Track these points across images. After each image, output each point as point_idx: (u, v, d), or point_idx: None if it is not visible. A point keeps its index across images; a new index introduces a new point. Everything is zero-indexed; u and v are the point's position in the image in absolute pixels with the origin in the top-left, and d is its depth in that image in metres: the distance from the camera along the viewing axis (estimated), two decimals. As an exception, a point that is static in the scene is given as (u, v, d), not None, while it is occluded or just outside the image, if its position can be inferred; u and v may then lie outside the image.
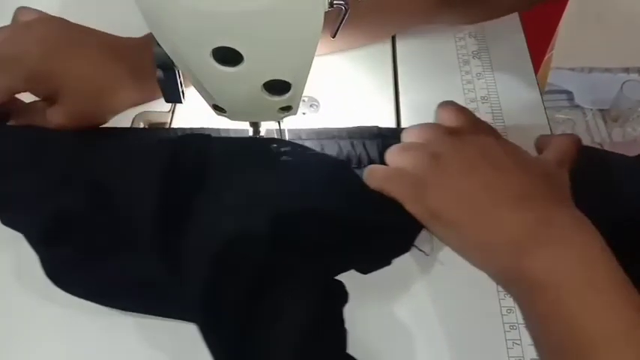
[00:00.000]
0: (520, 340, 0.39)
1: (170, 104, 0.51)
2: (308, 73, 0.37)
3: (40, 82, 0.45)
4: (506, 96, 0.51)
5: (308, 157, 0.44)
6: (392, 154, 0.43)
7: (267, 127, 0.46)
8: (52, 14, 0.48)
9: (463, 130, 0.43)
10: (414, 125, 0.44)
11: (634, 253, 0.48)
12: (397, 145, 0.43)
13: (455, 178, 0.39)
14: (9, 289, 0.42)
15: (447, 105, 0.45)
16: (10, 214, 0.42)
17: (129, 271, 0.39)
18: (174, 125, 0.51)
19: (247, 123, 0.44)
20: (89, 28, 0.47)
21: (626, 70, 1.26)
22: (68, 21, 0.47)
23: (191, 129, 0.48)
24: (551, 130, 0.49)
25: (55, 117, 0.45)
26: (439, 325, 0.40)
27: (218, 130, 0.48)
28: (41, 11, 0.47)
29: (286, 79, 0.36)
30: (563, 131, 1.29)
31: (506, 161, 0.39)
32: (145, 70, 0.43)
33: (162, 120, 0.51)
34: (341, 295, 0.39)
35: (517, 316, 0.40)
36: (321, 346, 0.36)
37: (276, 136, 0.46)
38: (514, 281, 0.37)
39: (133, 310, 0.40)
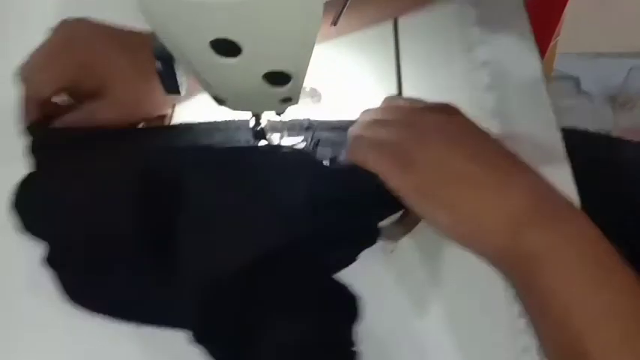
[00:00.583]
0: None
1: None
2: (308, 64, 0.36)
3: (88, 71, 0.45)
4: (510, 84, 0.50)
5: (279, 160, 0.43)
6: (364, 127, 0.40)
7: (268, 118, 0.45)
8: (53, 13, 0.48)
9: (424, 109, 0.40)
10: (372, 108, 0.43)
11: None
12: (366, 117, 0.41)
13: (441, 152, 0.37)
14: (21, 293, 0.43)
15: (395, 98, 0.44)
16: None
17: (124, 287, 0.40)
18: (176, 116, 0.51)
19: (249, 113, 0.44)
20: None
21: (634, 55, 1.25)
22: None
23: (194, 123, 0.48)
24: (556, 121, 0.48)
25: (103, 111, 0.46)
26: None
27: (219, 122, 0.48)
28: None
29: (286, 70, 0.36)
30: (569, 119, 1.28)
31: (483, 134, 0.38)
32: None
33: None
34: (349, 311, 0.38)
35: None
36: None
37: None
38: (509, 258, 0.35)
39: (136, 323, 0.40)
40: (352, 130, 0.40)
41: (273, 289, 0.37)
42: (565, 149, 0.48)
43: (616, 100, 1.22)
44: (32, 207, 0.43)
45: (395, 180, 0.36)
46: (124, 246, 0.40)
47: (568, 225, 0.34)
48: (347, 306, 0.38)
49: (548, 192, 0.36)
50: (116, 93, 0.46)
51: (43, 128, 0.46)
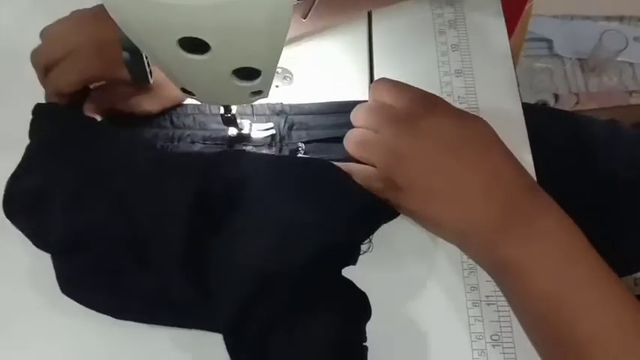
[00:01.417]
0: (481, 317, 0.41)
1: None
2: (278, 60, 0.36)
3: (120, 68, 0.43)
4: (480, 70, 0.50)
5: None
6: (350, 145, 0.42)
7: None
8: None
9: (413, 112, 0.41)
10: (362, 106, 0.43)
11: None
12: (351, 135, 0.43)
13: (422, 178, 0.39)
14: (21, 289, 0.43)
15: (387, 84, 0.43)
16: (38, 212, 0.42)
17: (146, 286, 0.39)
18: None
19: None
20: None
21: (607, 18, 1.25)
22: None
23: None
24: (524, 111, 0.49)
25: (147, 104, 0.47)
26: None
27: (197, 106, 0.48)
28: None
29: (256, 67, 0.36)
30: (541, 80, 1.29)
31: (466, 150, 0.39)
32: None
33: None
34: (365, 308, 0.39)
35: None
36: None
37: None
38: (491, 267, 0.38)
39: (148, 322, 0.41)
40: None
41: (299, 290, 0.37)
42: (531, 129, 0.49)
43: (587, 64, 1.23)
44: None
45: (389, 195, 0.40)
46: (163, 243, 0.39)
47: (540, 232, 0.36)
48: (361, 303, 0.39)
49: (524, 198, 0.37)
50: (159, 88, 0.46)
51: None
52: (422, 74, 0.50)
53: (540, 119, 0.64)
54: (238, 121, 0.46)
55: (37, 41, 0.44)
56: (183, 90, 0.40)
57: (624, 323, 0.34)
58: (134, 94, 0.46)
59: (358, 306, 0.39)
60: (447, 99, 0.49)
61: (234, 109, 0.44)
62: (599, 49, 1.17)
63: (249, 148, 0.47)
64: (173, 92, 0.47)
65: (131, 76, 0.40)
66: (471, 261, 0.42)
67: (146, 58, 0.40)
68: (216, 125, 0.48)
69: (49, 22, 0.44)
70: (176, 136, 0.47)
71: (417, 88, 0.43)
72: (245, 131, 0.47)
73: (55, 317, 0.42)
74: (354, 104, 0.44)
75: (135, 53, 0.38)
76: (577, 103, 1.20)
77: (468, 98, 0.49)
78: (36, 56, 0.43)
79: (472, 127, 0.40)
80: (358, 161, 0.42)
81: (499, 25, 0.53)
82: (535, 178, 0.46)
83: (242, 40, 0.33)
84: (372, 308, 0.39)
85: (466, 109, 0.48)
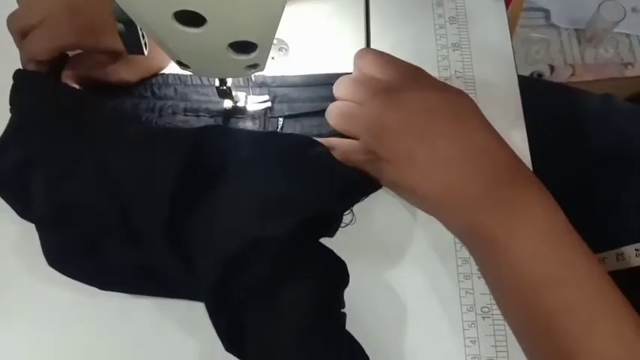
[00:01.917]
0: (472, 289, 0.42)
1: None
2: (275, 33, 0.36)
3: (95, 36, 0.43)
4: (477, 44, 0.50)
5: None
6: (334, 118, 0.42)
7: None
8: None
9: (398, 85, 0.41)
10: (346, 78, 0.43)
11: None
12: (335, 108, 0.43)
13: (403, 147, 0.39)
14: (9, 264, 0.43)
15: (372, 55, 0.43)
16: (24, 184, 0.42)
17: (131, 257, 0.40)
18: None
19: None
20: None
21: (606, -12, 1.24)
22: None
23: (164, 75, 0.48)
24: (520, 86, 0.48)
25: (123, 72, 0.46)
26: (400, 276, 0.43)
27: (179, 76, 0.48)
28: None
29: (252, 40, 0.35)
30: (537, 51, 1.28)
31: (449, 121, 0.39)
32: None
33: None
34: (343, 275, 0.39)
35: (471, 267, 0.43)
36: (324, 328, 0.37)
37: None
38: (469, 240, 0.39)
39: (133, 293, 0.42)
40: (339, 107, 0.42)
41: (280, 258, 0.38)
42: (526, 102, 0.49)
43: (583, 35, 1.22)
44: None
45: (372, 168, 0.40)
46: (147, 216, 0.39)
47: (524, 209, 0.36)
48: (339, 270, 0.40)
49: (508, 175, 0.37)
50: (137, 57, 0.44)
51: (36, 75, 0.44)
52: (419, 47, 0.50)
53: (536, 92, 0.64)
54: (234, 93, 0.45)
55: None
56: (179, 63, 0.40)
57: (597, 297, 0.34)
58: (111, 62, 0.46)
59: (336, 272, 0.39)
60: (444, 73, 0.49)
61: (229, 81, 0.44)
62: (597, 20, 1.16)
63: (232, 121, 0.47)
64: (152, 62, 0.47)
65: (125, 47, 0.40)
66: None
67: (140, 29, 0.39)
68: (198, 96, 0.48)
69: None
70: (157, 106, 0.47)
71: (401, 60, 0.43)
72: (240, 104, 0.46)
73: (42, 288, 0.42)
74: (337, 76, 0.44)
75: (129, 25, 0.38)
76: (572, 74, 1.20)
77: (465, 73, 0.49)
78: (12, 21, 0.43)
79: (456, 100, 0.40)
80: (341, 134, 0.42)
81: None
82: (529, 151, 0.46)
83: (238, 13, 0.32)
84: (355, 277, 0.39)
85: (463, 84, 0.48)
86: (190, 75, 0.48)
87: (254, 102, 0.47)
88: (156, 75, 0.49)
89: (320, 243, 0.41)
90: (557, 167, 0.39)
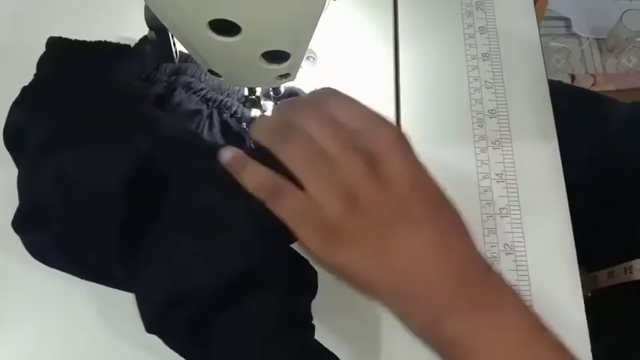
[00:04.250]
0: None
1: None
2: (309, 42, 0.35)
3: None
4: (507, 54, 0.49)
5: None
6: (290, 153, 0.33)
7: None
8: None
9: (374, 149, 0.33)
10: (306, 103, 0.36)
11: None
12: (293, 139, 0.33)
13: (374, 233, 0.32)
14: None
15: (338, 97, 0.35)
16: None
17: (90, 262, 0.38)
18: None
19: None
20: None
21: (628, -3, 1.23)
22: None
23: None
24: (551, 96, 0.48)
25: None
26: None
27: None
28: None
29: (286, 50, 0.35)
30: (557, 60, 1.27)
31: (421, 214, 0.33)
32: None
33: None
34: (308, 287, 0.37)
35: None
36: (286, 341, 0.35)
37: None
38: (432, 342, 0.34)
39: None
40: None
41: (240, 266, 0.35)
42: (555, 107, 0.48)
43: (605, 44, 1.21)
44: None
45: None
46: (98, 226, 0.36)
47: (494, 313, 0.32)
48: (308, 279, 0.37)
49: (479, 274, 0.33)
50: None
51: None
52: (448, 57, 0.49)
53: (564, 97, 0.63)
54: (262, 102, 0.45)
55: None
56: (210, 71, 0.39)
57: None
58: None
59: (301, 282, 0.37)
60: (474, 83, 0.48)
61: (258, 90, 0.43)
62: (619, 29, 1.15)
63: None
64: None
65: (156, 55, 0.40)
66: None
67: (172, 36, 0.39)
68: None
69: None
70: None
71: (369, 109, 0.35)
72: (267, 113, 0.46)
73: (31, 273, 0.42)
74: None
75: (161, 32, 0.38)
76: (593, 84, 1.19)
77: (495, 83, 0.48)
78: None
79: (421, 175, 0.34)
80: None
81: (527, 6, 0.51)
82: (560, 164, 0.45)
83: (274, 22, 0.32)
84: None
85: (493, 95, 0.48)
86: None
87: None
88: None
89: (290, 248, 0.37)
90: (587, 176, 0.38)
